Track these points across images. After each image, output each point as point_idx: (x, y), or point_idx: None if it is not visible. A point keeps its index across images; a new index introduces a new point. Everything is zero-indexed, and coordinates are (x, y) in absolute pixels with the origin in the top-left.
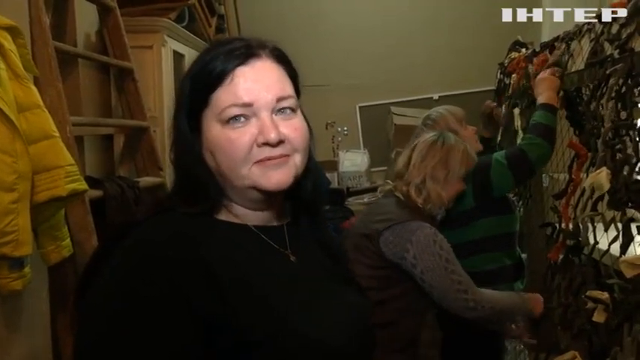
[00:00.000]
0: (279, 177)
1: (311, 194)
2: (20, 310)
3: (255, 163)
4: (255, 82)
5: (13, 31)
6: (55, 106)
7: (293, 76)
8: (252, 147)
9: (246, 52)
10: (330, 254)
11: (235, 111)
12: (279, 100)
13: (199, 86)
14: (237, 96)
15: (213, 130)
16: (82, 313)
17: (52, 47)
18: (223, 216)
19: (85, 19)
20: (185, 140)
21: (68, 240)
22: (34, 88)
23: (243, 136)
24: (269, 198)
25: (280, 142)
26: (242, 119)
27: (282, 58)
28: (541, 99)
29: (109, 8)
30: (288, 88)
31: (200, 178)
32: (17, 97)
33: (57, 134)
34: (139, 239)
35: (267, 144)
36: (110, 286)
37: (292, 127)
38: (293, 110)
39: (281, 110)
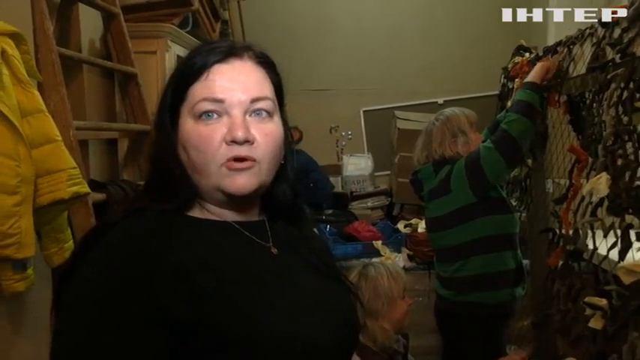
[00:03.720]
0: (242, 182)
1: (291, 201)
2: (24, 311)
3: (224, 163)
4: (231, 81)
5: (16, 38)
6: (58, 111)
7: (276, 81)
8: (222, 145)
9: (228, 50)
10: (314, 250)
11: (207, 106)
12: (254, 101)
13: (179, 81)
14: (211, 91)
15: (187, 125)
16: (58, 316)
17: (55, 53)
18: (200, 214)
19: (90, 25)
20: (165, 135)
21: (71, 242)
22: (37, 93)
23: (213, 132)
24: (235, 201)
25: (247, 142)
26: (214, 116)
27: (265, 62)
28: (527, 78)
29: (113, 14)
30: (265, 91)
31: (174, 175)
32: (20, 102)
33: (59, 138)
34: (112, 242)
35: (234, 142)
36: (84, 289)
37: (263, 132)
38: (269, 114)
39: (256, 112)
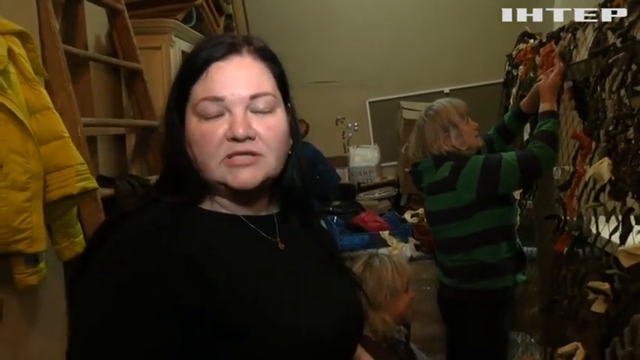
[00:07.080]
0: (245, 177)
1: (301, 189)
2: (37, 305)
3: (225, 159)
4: (229, 78)
5: (22, 36)
6: (65, 108)
7: (278, 74)
8: (223, 142)
9: (227, 48)
10: (321, 244)
11: (208, 105)
12: (254, 97)
13: (181, 80)
14: (210, 90)
15: (191, 123)
16: (73, 315)
17: (61, 51)
18: (210, 206)
19: (95, 22)
20: (173, 134)
21: (81, 237)
22: (43, 90)
23: (215, 130)
24: (240, 195)
25: (248, 139)
26: (215, 114)
27: (266, 56)
28: (545, 106)
29: (118, 11)
30: (266, 85)
31: (184, 170)
32: (28, 100)
33: (67, 135)
34: (122, 240)
35: (234, 139)
36: (96, 288)
37: (266, 126)
38: (270, 108)
39: (257, 107)
